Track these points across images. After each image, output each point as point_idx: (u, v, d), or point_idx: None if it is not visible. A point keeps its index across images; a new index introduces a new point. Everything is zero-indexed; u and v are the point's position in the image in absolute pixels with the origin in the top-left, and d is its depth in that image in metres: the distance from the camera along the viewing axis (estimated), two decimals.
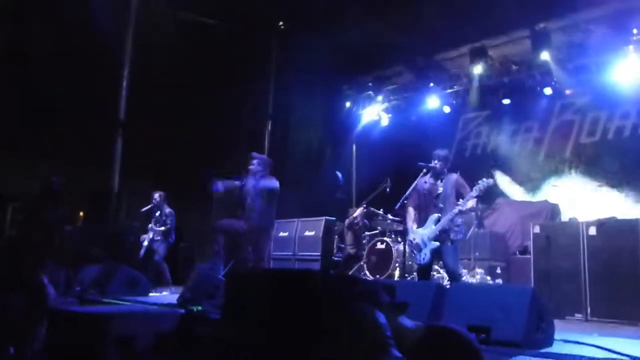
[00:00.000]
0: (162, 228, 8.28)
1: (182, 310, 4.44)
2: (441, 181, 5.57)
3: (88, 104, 8.55)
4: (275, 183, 6.21)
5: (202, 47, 9.45)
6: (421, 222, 5.59)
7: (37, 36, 8.33)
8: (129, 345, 2.95)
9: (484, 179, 5.36)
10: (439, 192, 5.52)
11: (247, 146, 11.54)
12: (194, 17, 9.51)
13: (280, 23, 10.89)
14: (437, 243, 5.40)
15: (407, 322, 2.64)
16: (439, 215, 5.42)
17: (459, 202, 5.33)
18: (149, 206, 8.38)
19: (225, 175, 6.46)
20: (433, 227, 5.42)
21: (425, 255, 5.47)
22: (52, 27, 8.24)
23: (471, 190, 5.38)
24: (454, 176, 5.61)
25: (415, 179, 5.72)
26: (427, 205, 5.59)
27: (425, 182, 5.66)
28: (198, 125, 9.68)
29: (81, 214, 8.61)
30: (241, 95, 10.89)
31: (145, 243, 8.27)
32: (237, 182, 6.35)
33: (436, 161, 5.58)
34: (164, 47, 8.67)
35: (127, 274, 6.53)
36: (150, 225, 8.34)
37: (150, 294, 7.00)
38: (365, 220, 8.90)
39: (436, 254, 5.48)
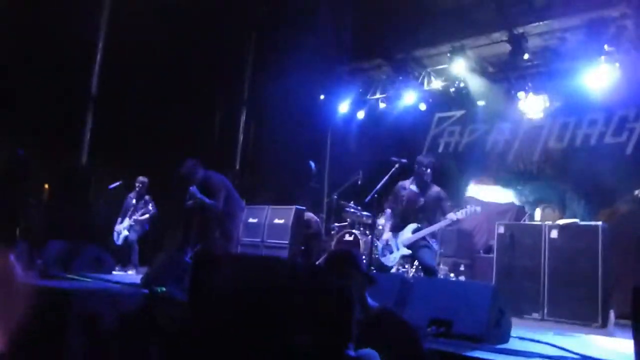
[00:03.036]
0: (146, 216, 8.00)
1: (146, 291, 4.42)
2: (424, 191, 5.53)
3: (59, 77, 8.32)
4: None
5: (180, 27, 9.29)
6: (397, 228, 5.59)
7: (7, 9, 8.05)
8: (93, 322, 2.92)
9: (470, 206, 5.30)
10: (421, 204, 5.48)
11: (222, 131, 11.50)
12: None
13: (259, 13, 10.83)
14: (410, 251, 5.43)
15: (369, 299, 2.80)
16: (419, 225, 5.42)
17: (445, 218, 5.31)
18: (118, 183, 8.14)
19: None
20: (410, 235, 5.41)
21: (394, 258, 5.50)
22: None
23: (452, 205, 5.43)
24: (436, 189, 5.56)
25: (387, 173, 5.74)
26: (406, 212, 5.56)
27: (405, 189, 5.60)
28: (172, 107, 9.53)
29: (46, 186, 8.38)
30: (217, 80, 10.79)
31: (125, 233, 7.93)
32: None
33: (426, 169, 5.53)
34: (140, 24, 8.49)
35: (91, 252, 6.44)
36: (133, 218, 7.94)
37: (114, 272, 6.93)
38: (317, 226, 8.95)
39: (404, 260, 5.54)
